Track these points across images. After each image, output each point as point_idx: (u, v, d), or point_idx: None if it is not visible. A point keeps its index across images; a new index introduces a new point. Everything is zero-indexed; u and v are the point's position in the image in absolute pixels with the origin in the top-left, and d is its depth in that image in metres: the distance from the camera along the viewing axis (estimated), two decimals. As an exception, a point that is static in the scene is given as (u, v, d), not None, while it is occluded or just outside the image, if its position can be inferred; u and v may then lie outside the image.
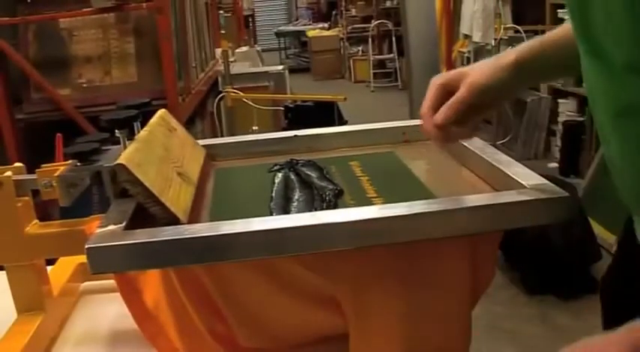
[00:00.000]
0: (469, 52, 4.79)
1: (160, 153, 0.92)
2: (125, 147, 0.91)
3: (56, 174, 0.87)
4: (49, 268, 1.05)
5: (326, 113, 4.39)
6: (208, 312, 0.86)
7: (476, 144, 1.00)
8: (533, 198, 0.79)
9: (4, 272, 0.96)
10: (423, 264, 0.83)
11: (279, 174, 1.02)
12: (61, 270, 1.12)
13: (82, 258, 1.07)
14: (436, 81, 0.90)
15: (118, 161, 0.79)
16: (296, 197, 0.93)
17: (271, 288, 0.83)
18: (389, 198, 0.89)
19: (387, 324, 0.84)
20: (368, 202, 0.90)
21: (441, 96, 0.88)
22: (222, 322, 0.86)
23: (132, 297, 0.94)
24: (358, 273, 0.82)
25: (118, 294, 0.95)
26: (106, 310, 1.09)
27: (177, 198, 0.85)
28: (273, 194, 0.94)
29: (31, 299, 0.97)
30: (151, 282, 0.92)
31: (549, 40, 0.90)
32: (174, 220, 0.80)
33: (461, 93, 0.86)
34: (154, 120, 0.99)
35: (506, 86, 0.88)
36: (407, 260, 0.82)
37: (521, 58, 0.88)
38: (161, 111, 1.04)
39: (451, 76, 0.90)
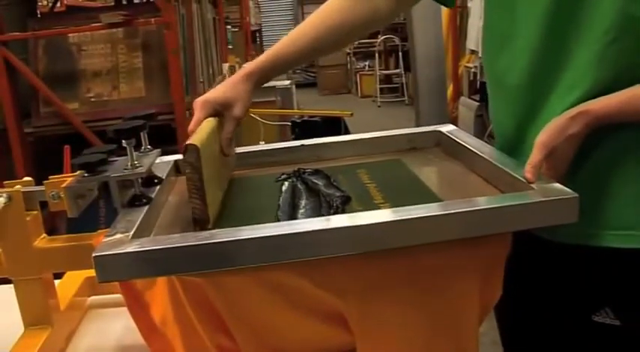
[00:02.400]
0: (475, 67, 4.78)
1: (214, 153, 0.93)
2: (132, 158, 0.91)
3: (64, 185, 0.88)
4: (56, 282, 1.05)
5: (333, 128, 4.40)
6: (215, 327, 0.86)
7: (484, 149, 1.00)
8: (541, 198, 0.78)
9: (11, 285, 0.96)
10: (431, 278, 0.82)
11: (286, 183, 1.02)
12: (69, 284, 1.13)
13: (90, 272, 1.08)
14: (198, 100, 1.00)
15: (192, 141, 0.80)
16: (303, 204, 0.93)
17: (277, 304, 0.83)
18: (396, 204, 0.89)
19: (393, 340, 0.83)
20: (375, 208, 0.89)
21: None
22: (229, 337, 0.86)
23: (139, 312, 0.93)
24: (364, 288, 0.82)
25: (124, 309, 0.95)
26: (113, 324, 1.08)
27: (212, 201, 0.86)
28: (280, 202, 0.94)
29: (38, 313, 0.97)
30: (158, 297, 0.91)
31: (289, 46, 1.07)
32: (205, 220, 0.81)
33: (197, 112, 0.98)
34: (212, 120, 0.99)
35: (241, 94, 1.02)
36: (415, 274, 0.82)
37: (250, 73, 1.03)
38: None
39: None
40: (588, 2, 0.88)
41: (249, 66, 1.05)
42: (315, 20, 1.09)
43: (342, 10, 1.08)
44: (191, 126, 0.96)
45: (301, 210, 0.91)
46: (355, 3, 1.08)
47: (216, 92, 1.01)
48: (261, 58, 1.06)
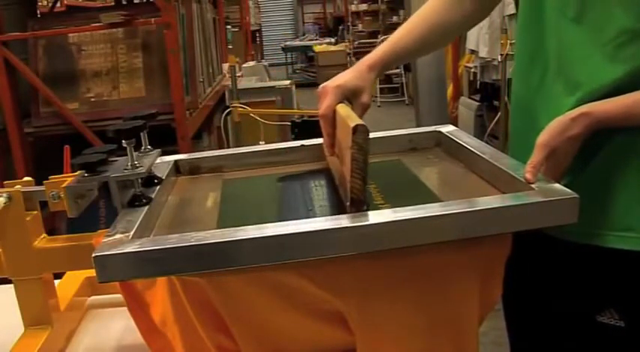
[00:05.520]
0: (475, 67, 4.79)
1: None
2: (132, 158, 0.91)
3: (64, 185, 0.88)
4: (56, 282, 1.05)
5: (332, 128, 4.39)
6: (215, 327, 0.86)
7: (484, 150, 1.00)
8: (541, 199, 0.78)
9: (11, 285, 0.96)
10: (431, 278, 0.82)
11: (288, 184, 1.02)
12: (69, 284, 1.13)
13: (90, 272, 1.08)
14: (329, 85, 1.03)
15: (359, 123, 0.81)
16: (308, 207, 0.93)
17: (277, 304, 0.83)
18: (397, 205, 0.89)
19: (393, 340, 0.83)
20: (375, 209, 0.89)
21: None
22: (229, 337, 0.86)
23: (139, 311, 0.93)
24: (364, 288, 0.82)
25: (124, 309, 0.95)
26: (113, 324, 1.08)
27: None
28: (282, 203, 0.94)
29: (38, 313, 0.97)
30: (158, 297, 0.91)
31: (400, 41, 1.11)
32: (362, 201, 0.81)
33: (328, 97, 1.00)
34: (346, 107, 0.99)
35: (367, 83, 1.05)
36: (415, 275, 0.82)
37: (373, 64, 1.07)
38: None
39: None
40: (600, 3, 0.89)
41: (371, 57, 1.09)
42: (417, 20, 1.14)
43: (439, 11, 1.14)
44: (323, 110, 0.98)
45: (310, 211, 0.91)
46: (450, 4, 1.13)
47: (345, 79, 1.03)
48: (381, 51, 1.10)
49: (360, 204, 0.81)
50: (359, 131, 0.80)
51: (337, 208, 0.91)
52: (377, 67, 1.07)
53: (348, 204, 0.82)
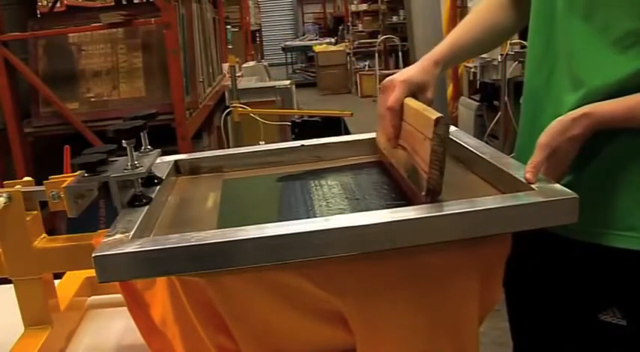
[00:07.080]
0: (475, 67, 4.78)
1: None
2: (132, 158, 0.91)
3: (64, 185, 0.88)
4: (56, 282, 1.05)
5: (333, 128, 4.40)
6: (215, 327, 0.86)
7: (484, 150, 1.00)
8: (541, 199, 0.78)
9: (11, 285, 0.96)
10: (431, 278, 0.82)
11: (288, 184, 1.02)
12: (69, 284, 1.13)
13: (90, 272, 1.08)
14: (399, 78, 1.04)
15: (441, 115, 0.81)
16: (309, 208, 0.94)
17: (277, 304, 0.83)
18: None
19: (393, 340, 0.83)
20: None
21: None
22: (229, 337, 0.86)
23: (139, 311, 0.93)
24: (364, 288, 0.82)
25: (124, 308, 0.95)
26: (113, 324, 1.09)
27: None
28: (282, 203, 0.94)
29: (38, 313, 0.97)
30: (158, 297, 0.91)
31: (459, 40, 1.13)
32: (438, 192, 0.82)
33: (397, 90, 1.00)
34: (415, 100, 1.00)
35: (432, 79, 1.06)
36: (415, 275, 0.82)
37: (438, 60, 1.08)
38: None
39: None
40: (605, 4, 0.90)
41: (436, 53, 1.09)
42: (474, 19, 1.16)
43: (494, 11, 1.16)
44: (391, 103, 0.98)
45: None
46: (501, 8, 1.15)
47: (411, 73, 1.03)
48: (443, 47, 1.11)
49: (436, 195, 0.82)
50: (440, 123, 0.81)
51: (394, 199, 0.92)
52: (441, 63, 1.08)
53: (423, 193, 0.83)
